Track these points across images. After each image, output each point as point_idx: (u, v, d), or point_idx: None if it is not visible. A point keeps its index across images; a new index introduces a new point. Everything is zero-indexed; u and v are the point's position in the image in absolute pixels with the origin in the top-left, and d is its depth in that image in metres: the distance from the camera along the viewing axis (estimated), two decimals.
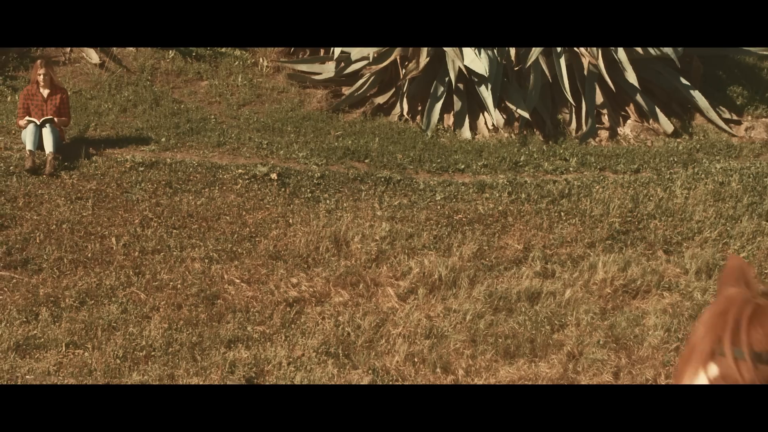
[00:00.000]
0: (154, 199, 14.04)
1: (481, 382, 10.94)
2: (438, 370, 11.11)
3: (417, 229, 13.82)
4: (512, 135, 17.90)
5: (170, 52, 19.43)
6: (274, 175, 14.85)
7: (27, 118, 15.14)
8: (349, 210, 14.19)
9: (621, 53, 18.59)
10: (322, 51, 19.64)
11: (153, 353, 10.87)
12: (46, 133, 14.83)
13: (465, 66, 17.74)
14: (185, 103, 18.13)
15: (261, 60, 19.59)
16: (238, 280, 12.41)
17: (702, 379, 3.56)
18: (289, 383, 10.51)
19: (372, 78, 18.58)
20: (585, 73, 18.66)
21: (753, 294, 3.67)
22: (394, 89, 18.73)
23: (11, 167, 14.57)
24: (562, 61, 18.38)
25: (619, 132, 18.70)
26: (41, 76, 15.51)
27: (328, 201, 14.43)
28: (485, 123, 18.24)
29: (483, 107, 18.20)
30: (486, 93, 17.90)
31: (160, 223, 13.43)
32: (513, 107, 18.15)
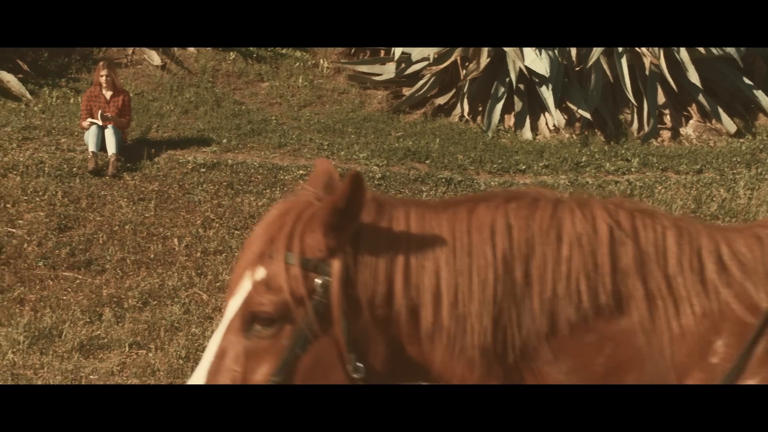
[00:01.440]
0: (216, 200, 14.10)
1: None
2: None
3: None
4: (573, 135, 17.81)
5: (231, 53, 19.52)
6: None
7: (90, 119, 15.26)
8: None
9: (683, 53, 18.44)
10: (382, 52, 19.65)
11: None
12: (109, 135, 14.93)
13: (526, 66, 17.68)
14: (246, 105, 18.21)
15: (321, 61, 19.64)
16: None
17: (247, 283, 3.43)
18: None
19: (432, 79, 18.56)
20: (647, 73, 18.54)
21: (317, 197, 3.51)
22: (454, 90, 18.69)
23: (74, 168, 14.68)
24: (624, 61, 18.28)
25: (681, 132, 18.57)
26: (104, 78, 15.63)
27: None
28: (546, 123, 18.16)
29: (544, 108, 18.13)
30: (547, 93, 17.83)
31: (221, 224, 13.49)
32: (574, 108, 18.07)
